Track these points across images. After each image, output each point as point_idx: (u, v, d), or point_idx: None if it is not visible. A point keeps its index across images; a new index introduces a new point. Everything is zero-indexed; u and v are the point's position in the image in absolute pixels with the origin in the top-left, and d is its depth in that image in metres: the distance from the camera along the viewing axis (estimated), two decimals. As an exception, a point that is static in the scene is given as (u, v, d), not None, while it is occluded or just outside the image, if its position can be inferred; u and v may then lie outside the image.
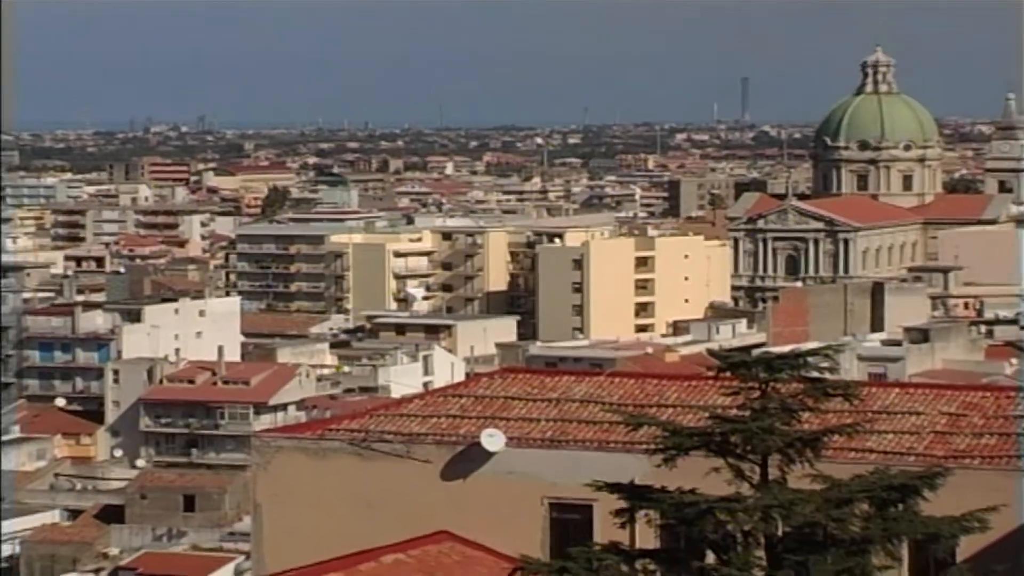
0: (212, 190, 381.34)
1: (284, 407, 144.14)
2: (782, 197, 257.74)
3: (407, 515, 43.27)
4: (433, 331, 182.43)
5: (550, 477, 42.97)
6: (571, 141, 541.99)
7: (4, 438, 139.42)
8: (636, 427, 38.32)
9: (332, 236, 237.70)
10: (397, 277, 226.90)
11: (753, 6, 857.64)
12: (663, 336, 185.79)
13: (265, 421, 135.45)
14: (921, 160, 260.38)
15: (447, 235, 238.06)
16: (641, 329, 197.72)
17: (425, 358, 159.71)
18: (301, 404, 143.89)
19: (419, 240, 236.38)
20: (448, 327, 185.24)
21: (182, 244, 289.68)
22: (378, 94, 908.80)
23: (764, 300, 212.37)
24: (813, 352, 38.39)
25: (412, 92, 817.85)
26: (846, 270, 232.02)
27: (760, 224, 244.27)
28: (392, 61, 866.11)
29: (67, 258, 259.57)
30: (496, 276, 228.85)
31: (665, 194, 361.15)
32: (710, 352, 54.49)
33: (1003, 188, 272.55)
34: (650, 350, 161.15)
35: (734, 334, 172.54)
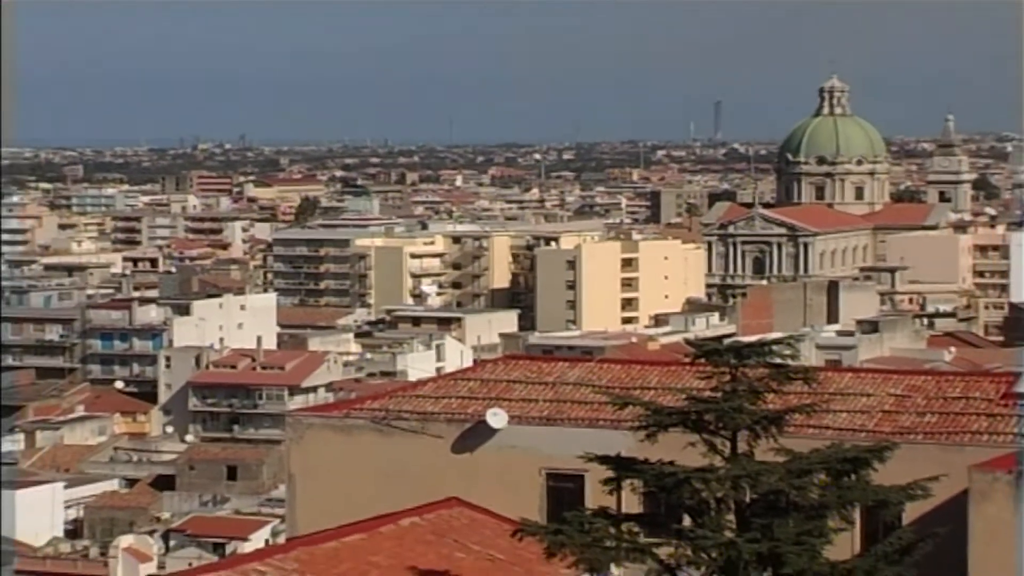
0: (252, 200, 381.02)
1: (314, 389, 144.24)
2: (749, 206, 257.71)
3: (421, 484, 43.26)
4: (445, 323, 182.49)
5: (547, 451, 42.96)
6: (565, 157, 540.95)
7: (61, 418, 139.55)
8: (622, 407, 38.31)
9: (356, 240, 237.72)
10: (413, 276, 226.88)
11: (726, 39, 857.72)
12: (646, 327, 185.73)
13: (298, 401, 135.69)
14: (871, 173, 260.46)
15: (457, 239, 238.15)
16: (626, 321, 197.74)
17: (438, 347, 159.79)
18: (329, 387, 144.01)
19: (432, 243, 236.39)
20: (458, 319, 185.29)
21: (225, 247, 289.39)
22: (396, 115, 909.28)
23: (734, 296, 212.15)
24: (777, 341, 38.40)
25: (426, 114, 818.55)
26: (805, 270, 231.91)
27: (730, 230, 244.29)
28: (408, 86, 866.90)
29: (125, 259, 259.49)
30: (500, 275, 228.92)
31: (647, 203, 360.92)
32: (687, 341, 54.62)
33: (943, 198, 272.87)
34: (634, 339, 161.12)
35: (708, 326, 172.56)
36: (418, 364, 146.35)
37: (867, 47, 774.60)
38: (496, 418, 43.98)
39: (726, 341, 38.32)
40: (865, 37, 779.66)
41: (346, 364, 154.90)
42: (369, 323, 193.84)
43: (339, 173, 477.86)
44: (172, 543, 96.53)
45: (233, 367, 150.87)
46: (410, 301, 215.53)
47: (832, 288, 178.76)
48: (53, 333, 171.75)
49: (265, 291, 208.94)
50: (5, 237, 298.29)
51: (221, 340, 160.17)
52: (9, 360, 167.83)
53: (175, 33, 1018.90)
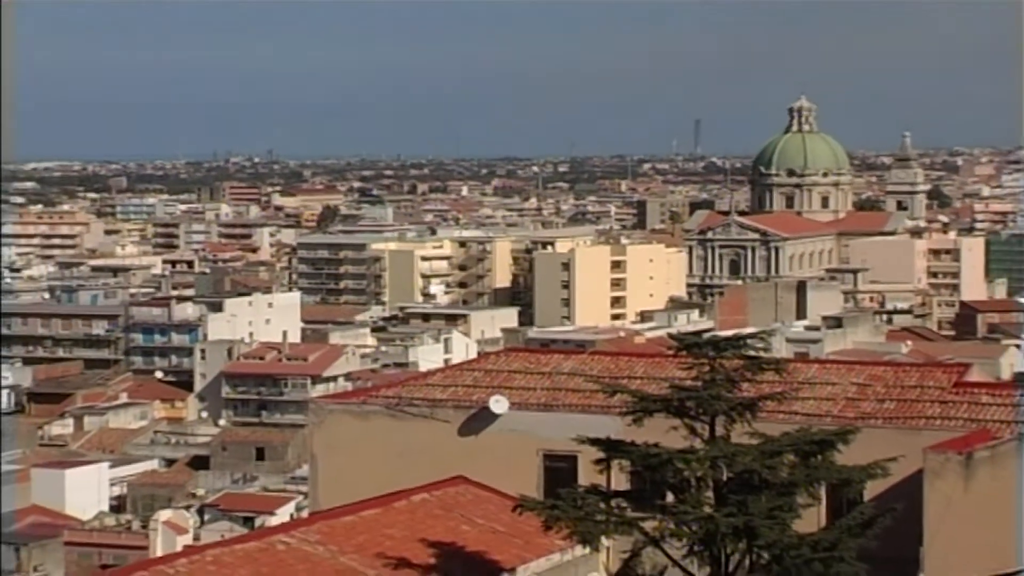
0: (278, 208, 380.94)
1: (335, 378, 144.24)
2: (726, 214, 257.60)
3: (431, 464, 43.23)
4: (452, 319, 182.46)
5: (544, 434, 42.94)
6: (560, 169, 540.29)
7: (106, 404, 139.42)
8: (612, 394, 38.29)
9: (372, 244, 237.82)
10: (423, 276, 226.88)
11: (704, 64, 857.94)
12: (632, 323, 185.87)
13: (320, 389, 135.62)
14: (836, 184, 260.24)
15: (463, 243, 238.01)
16: (615, 317, 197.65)
17: (445, 340, 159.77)
18: (348, 376, 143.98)
19: (440, 247, 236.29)
20: (464, 316, 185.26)
21: (254, 250, 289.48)
22: (408, 132, 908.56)
23: (712, 295, 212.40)
24: (751, 336, 38.36)
25: (435, 131, 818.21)
26: (776, 271, 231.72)
27: (709, 235, 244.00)
28: (419, 106, 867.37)
29: (164, 261, 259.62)
30: (501, 276, 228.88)
31: (634, 211, 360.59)
32: (670, 335, 54.49)
33: (900, 207, 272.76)
34: (622, 334, 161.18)
35: (689, 322, 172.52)
36: (428, 356, 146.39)
37: (833, 71, 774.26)
38: (498, 404, 43.99)
39: (705, 335, 38.34)
40: (831, 62, 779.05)
41: (363, 356, 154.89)
42: (383, 319, 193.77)
43: (357, 184, 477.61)
44: (206, 517, 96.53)
45: (261, 358, 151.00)
46: (420, 299, 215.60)
47: (800, 288, 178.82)
48: (99, 328, 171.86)
49: (290, 290, 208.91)
50: (56, 242, 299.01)
51: (250, 334, 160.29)
52: (60, 352, 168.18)
53: (210, 58, 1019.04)
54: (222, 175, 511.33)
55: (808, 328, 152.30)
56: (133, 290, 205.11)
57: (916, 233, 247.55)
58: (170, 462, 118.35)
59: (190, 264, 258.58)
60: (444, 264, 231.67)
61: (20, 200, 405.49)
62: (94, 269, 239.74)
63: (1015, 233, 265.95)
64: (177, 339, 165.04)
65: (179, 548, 62.82)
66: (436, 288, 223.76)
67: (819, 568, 33.95)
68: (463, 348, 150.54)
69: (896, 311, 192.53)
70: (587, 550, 38.02)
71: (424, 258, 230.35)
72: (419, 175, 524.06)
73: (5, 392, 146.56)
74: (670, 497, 35.05)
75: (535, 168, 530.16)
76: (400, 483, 42.20)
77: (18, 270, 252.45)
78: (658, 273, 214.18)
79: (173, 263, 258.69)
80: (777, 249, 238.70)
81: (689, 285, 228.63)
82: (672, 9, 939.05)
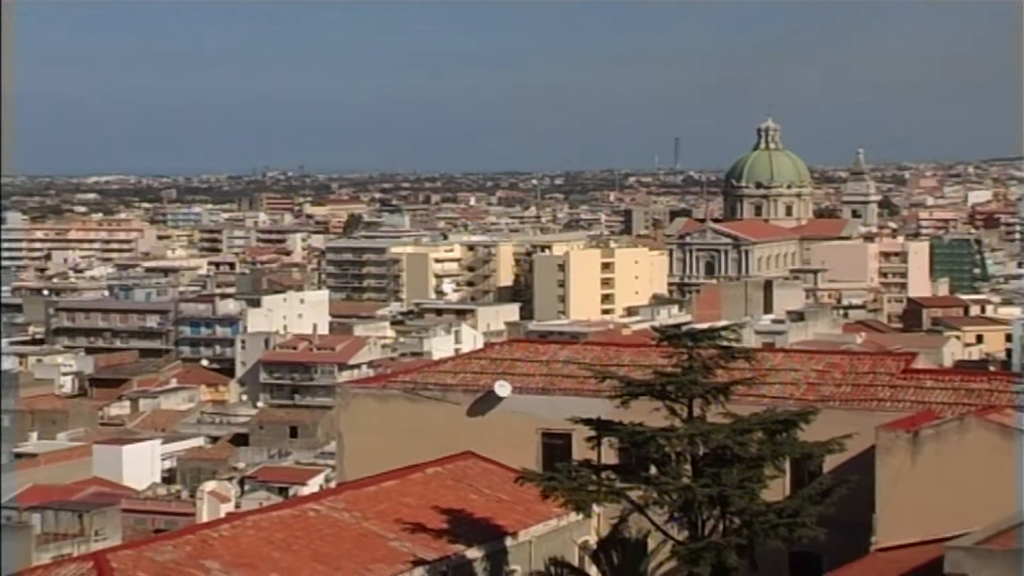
0: (309, 216, 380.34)
1: (359, 365, 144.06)
2: (702, 221, 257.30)
3: (442, 440, 43.24)
4: (461, 314, 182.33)
5: (542, 415, 42.93)
6: (557, 182, 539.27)
7: (158, 389, 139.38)
8: (602, 380, 38.29)
9: (391, 248, 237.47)
10: (436, 276, 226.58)
11: (683, 89, 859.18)
12: (620, 317, 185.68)
13: (345, 375, 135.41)
14: (798, 195, 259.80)
15: (471, 247, 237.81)
16: (605, 312, 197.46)
17: (456, 332, 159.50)
18: (370, 363, 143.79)
19: (451, 251, 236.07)
20: (472, 311, 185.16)
21: (288, 253, 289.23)
22: (423, 150, 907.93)
23: (690, 292, 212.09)
24: (724, 328, 38.44)
25: (447, 148, 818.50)
26: (746, 271, 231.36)
27: (687, 240, 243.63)
28: (433, 128, 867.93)
29: (209, 263, 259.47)
30: (505, 275, 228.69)
31: (621, 219, 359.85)
32: (653, 328, 54.45)
33: (854, 215, 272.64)
34: (611, 326, 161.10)
35: (670, 316, 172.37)
36: (440, 346, 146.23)
37: (796, 96, 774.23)
38: (502, 388, 43.99)
39: (684, 328, 38.32)
40: (794, 89, 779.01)
41: (383, 346, 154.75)
42: (401, 313, 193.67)
43: (378, 195, 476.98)
44: (246, 487, 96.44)
45: (294, 348, 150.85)
46: (434, 296, 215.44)
47: (767, 286, 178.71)
48: (152, 321, 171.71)
49: (319, 288, 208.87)
50: (114, 246, 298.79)
51: (285, 327, 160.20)
52: (117, 343, 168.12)
53: (250, 86, 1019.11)
54: (260, 187, 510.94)
55: (774, 321, 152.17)
56: (182, 288, 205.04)
57: (868, 238, 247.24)
58: (214, 439, 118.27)
59: (232, 265, 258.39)
60: (454, 265, 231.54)
61: (83, 209, 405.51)
62: (147, 270, 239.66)
63: (956, 238, 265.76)
64: (220, 331, 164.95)
65: (222, 515, 62.74)
66: (447, 286, 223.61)
67: (784, 532, 33.94)
68: (471, 339, 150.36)
69: (851, 306, 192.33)
70: (580, 516, 38.04)
71: (437, 260, 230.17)
72: (432, 187, 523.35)
73: (69, 378, 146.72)
74: (653, 470, 35.06)
75: (534, 181, 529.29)
76: (415, 457, 42.22)
77: (81, 271, 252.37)
78: (642, 273, 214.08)
79: (217, 264, 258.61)
80: (747, 252, 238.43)
81: (670, 284, 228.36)
82: (656, 41, 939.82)
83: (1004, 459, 34.70)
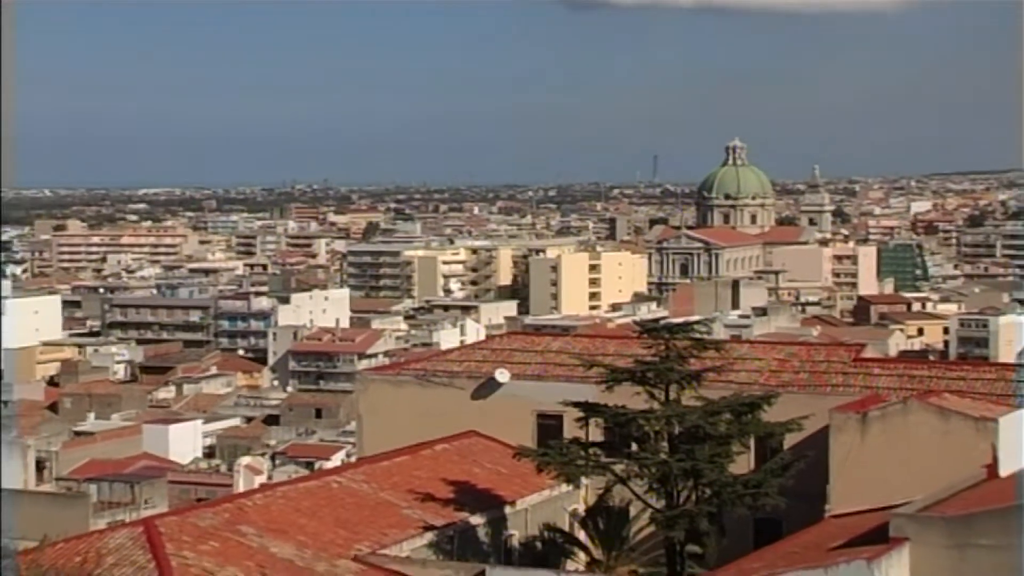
0: (332, 224, 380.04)
1: (375, 355, 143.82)
2: (678, 228, 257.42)
3: (449, 421, 43.21)
4: (466, 310, 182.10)
5: (537, 398, 42.90)
6: (550, 194, 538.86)
7: (200, 375, 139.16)
8: (589, 367, 38.26)
9: (405, 251, 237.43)
10: (444, 276, 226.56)
11: (663, 112, 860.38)
12: (606, 312, 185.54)
13: (364, 364, 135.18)
14: (762, 205, 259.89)
15: (474, 251, 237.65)
16: (592, 308, 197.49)
17: (461, 326, 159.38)
18: (386, 353, 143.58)
19: (457, 254, 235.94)
20: (475, 307, 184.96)
21: (314, 256, 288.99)
22: (433, 165, 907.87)
23: (667, 291, 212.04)
24: (697, 322, 38.36)
25: (453, 164, 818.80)
26: (716, 272, 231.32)
27: (664, 244, 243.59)
28: (441, 146, 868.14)
29: (244, 265, 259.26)
30: (504, 276, 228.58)
31: (607, 226, 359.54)
32: (634, 322, 54.36)
33: (811, 223, 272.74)
34: (598, 320, 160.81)
35: (649, 311, 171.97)
36: (447, 338, 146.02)
37: (760, 118, 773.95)
38: (502, 375, 43.95)
39: (661, 322, 38.31)
40: (758, 112, 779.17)
41: (397, 338, 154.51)
42: (413, 309, 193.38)
43: (393, 205, 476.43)
44: (277, 462, 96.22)
45: (319, 340, 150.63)
46: (441, 294, 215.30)
47: (734, 285, 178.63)
48: (195, 316, 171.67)
49: (341, 287, 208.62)
50: (161, 250, 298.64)
51: (311, 321, 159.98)
52: (164, 335, 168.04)
53: (281, 108, 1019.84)
54: (289, 198, 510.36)
55: (741, 316, 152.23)
56: (220, 287, 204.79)
57: (823, 243, 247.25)
58: (249, 419, 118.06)
59: (264, 267, 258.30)
60: (460, 267, 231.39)
61: (134, 218, 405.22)
62: (190, 271, 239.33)
63: (899, 243, 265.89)
64: (254, 325, 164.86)
65: (256, 486, 62.69)
66: (454, 285, 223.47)
67: (749, 501, 33.94)
68: (474, 332, 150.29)
69: (808, 303, 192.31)
70: (570, 487, 38.06)
71: (444, 262, 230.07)
72: (441, 198, 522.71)
73: (122, 366, 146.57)
74: (634, 446, 35.07)
75: (530, 192, 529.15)
76: (425, 436, 42.19)
77: (132, 272, 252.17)
78: (625, 274, 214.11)
79: (251, 266, 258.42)
80: (716, 255, 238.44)
81: (649, 283, 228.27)
82: (638, 70, 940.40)
83: (941, 437, 34.72)
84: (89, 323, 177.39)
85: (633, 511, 36.42)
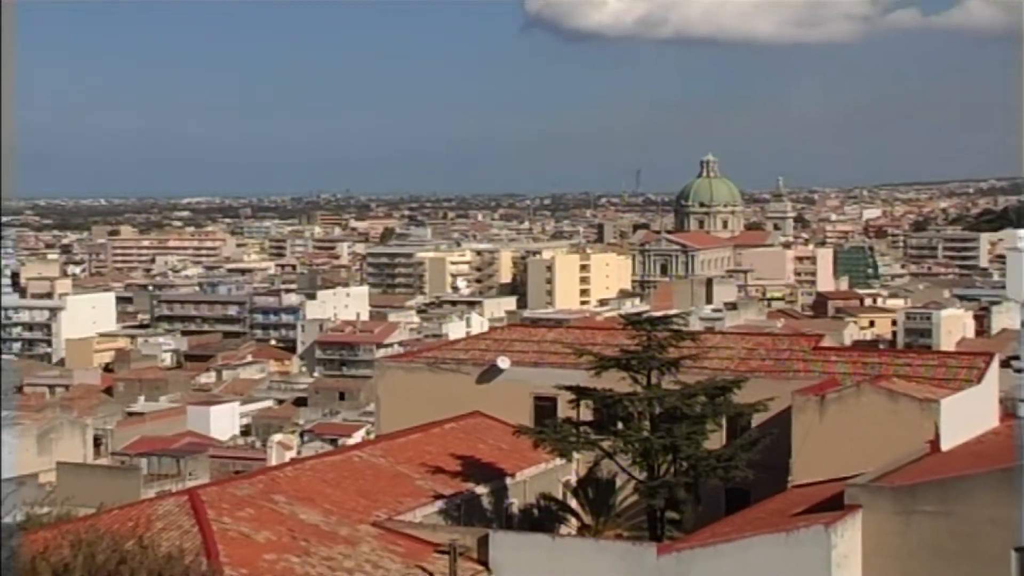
0: (353, 229, 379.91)
1: (392, 344, 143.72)
2: (658, 232, 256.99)
3: (456, 403, 43.19)
4: (471, 305, 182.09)
5: (534, 382, 42.88)
6: (545, 202, 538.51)
7: (237, 363, 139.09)
8: (580, 355, 38.24)
9: (417, 253, 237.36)
10: (451, 275, 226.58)
11: (644, 130, 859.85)
12: (595, 306, 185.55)
13: (382, 352, 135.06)
14: (732, 213, 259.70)
15: (479, 253, 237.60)
16: (583, 303, 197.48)
17: (467, 319, 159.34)
18: (401, 343, 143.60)
19: (463, 256, 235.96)
20: (479, 302, 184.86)
21: (337, 257, 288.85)
22: (442, 177, 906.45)
23: (649, 288, 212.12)
24: (675, 315, 38.36)
25: (460, 175, 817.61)
26: (693, 272, 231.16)
27: (646, 247, 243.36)
28: (449, 159, 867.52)
29: (276, 265, 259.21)
30: (505, 275, 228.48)
31: (596, 231, 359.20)
32: (620, 315, 54.37)
33: (775, 228, 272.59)
34: (587, 314, 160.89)
35: (633, 306, 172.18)
36: (454, 330, 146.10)
37: (730, 135, 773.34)
38: (503, 362, 43.93)
39: (644, 315, 38.29)
40: (728, 129, 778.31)
41: (411, 329, 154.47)
42: (425, 304, 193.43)
43: (407, 212, 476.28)
44: (305, 439, 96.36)
45: (342, 331, 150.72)
46: (449, 291, 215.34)
47: (708, 283, 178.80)
48: (232, 311, 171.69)
49: (361, 285, 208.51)
50: (203, 252, 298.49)
51: (335, 315, 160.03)
52: (205, 327, 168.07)
53: (308, 126, 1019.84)
54: (315, 207, 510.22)
55: (714, 310, 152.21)
56: (255, 285, 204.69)
57: (786, 246, 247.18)
58: (280, 402, 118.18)
59: (294, 267, 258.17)
60: (466, 267, 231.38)
61: (179, 224, 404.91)
62: (228, 271, 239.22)
63: (853, 245, 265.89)
64: (285, 318, 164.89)
65: (287, 460, 62.75)
66: (460, 283, 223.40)
67: (721, 473, 33.94)
68: (479, 324, 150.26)
69: (773, 299, 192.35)
70: (564, 461, 38.03)
71: (452, 263, 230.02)
72: (449, 206, 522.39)
73: (169, 355, 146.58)
74: (620, 425, 35.05)
75: (528, 201, 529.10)
76: (435, 416, 42.18)
77: (177, 271, 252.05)
78: (612, 273, 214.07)
79: (282, 266, 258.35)
80: (693, 257, 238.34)
81: (633, 281, 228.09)
82: (624, 93, 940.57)
83: (890, 416, 34.73)
84: (140, 317, 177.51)
85: (619, 482, 36.43)
